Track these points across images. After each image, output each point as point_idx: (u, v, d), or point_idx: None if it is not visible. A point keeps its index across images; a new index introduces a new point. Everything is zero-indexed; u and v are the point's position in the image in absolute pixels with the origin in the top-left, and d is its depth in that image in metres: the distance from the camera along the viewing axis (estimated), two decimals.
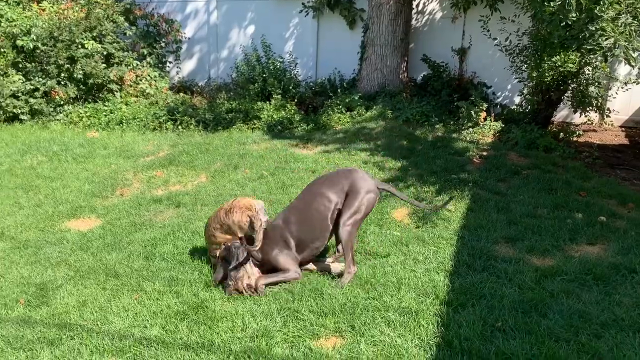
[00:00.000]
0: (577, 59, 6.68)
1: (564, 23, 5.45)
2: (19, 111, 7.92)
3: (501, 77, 8.49)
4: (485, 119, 7.55)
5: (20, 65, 8.13)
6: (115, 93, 8.66)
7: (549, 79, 6.82)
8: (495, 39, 7.53)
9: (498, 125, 7.51)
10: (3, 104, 7.74)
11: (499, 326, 3.29)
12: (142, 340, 3.24)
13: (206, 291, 3.77)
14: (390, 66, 8.57)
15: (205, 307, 3.57)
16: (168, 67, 9.88)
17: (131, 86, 8.88)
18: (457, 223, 4.79)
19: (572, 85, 7.32)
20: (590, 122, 8.02)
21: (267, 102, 8.44)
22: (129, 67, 8.83)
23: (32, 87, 8.05)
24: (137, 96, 8.86)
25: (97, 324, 3.42)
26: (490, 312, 3.44)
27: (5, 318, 3.51)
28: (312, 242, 3.94)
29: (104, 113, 8.22)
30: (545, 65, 6.73)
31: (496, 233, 4.59)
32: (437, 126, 7.55)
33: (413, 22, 8.90)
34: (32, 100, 7.99)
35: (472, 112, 7.44)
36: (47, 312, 3.56)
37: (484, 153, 6.71)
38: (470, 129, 7.41)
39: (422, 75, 9.00)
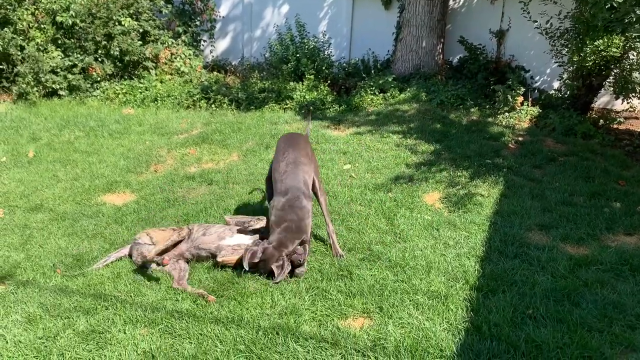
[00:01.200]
0: (621, 44, 6.43)
1: (609, 5, 5.25)
2: (58, 87, 8.08)
3: (540, 61, 8.26)
4: (522, 104, 7.37)
5: (60, 42, 8.27)
6: (151, 70, 8.75)
7: (590, 63, 6.60)
8: (535, 21, 7.30)
9: (535, 110, 7.33)
10: (43, 79, 7.90)
11: (529, 313, 3.26)
12: (174, 313, 3.32)
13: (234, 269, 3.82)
14: (425, 48, 8.42)
15: (235, 282, 3.62)
16: (202, 45, 9.92)
17: (166, 64, 8.96)
18: (490, 209, 4.72)
19: (615, 71, 7.07)
20: (632, 110, 7.74)
21: (300, 82, 8.41)
22: (164, 45, 8.90)
23: (70, 63, 8.19)
24: (171, 74, 8.94)
25: (131, 296, 3.51)
26: (521, 299, 3.40)
27: (44, 286, 3.63)
28: None
29: (140, 90, 8.33)
30: (587, 49, 6.51)
31: (530, 220, 4.51)
32: (472, 110, 7.41)
33: (450, 2, 8.70)
34: (70, 76, 8.13)
35: (509, 97, 7.28)
36: (83, 282, 3.67)
37: (520, 138, 6.57)
38: (507, 114, 7.25)
39: (458, 57, 8.82)
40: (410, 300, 3.40)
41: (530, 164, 5.77)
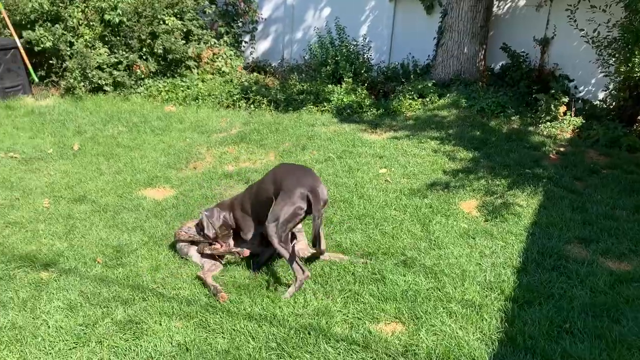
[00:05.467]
0: None
1: None
2: (104, 82, 8.31)
3: (585, 71, 8.05)
4: (565, 114, 7.20)
5: (107, 39, 8.52)
6: (193, 69, 8.92)
7: (638, 74, 6.41)
8: (582, 29, 7.14)
9: (578, 120, 7.16)
10: (89, 75, 8.15)
11: (566, 328, 3.19)
12: (208, 307, 3.38)
13: (271, 265, 3.86)
14: (467, 54, 8.33)
15: (268, 281, 3.66)
16: (243, 46, 10.06)
17: (208, 63, 9.12)
18: (528, 219, 4.63)
19: None
20: None
21: (338, 85, 8.43)
22: (206, 45, 9.06)
23: (116, 60, 8.43)
24: (212, 73, 9.09)
25: (167, 289, 3.59)
26: (558, 312, 3.33)
27: (85, 275, 3.75)
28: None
29: (182, 88, 8.50)
30: (636, 59, 6.33)
31: (569, 232, 4.41)
32: (513, 118, 7.29)
33: (494, 9, 8.58)
34: (115, 73, 8.36)
35: (552, 106, 7.13)
36: (122, 273, 3.77)
37: (562, 149, 6.43)
38: (548, 123, 7.10)
39: (500, 64, 8.69)
40: (443, 308, 3.37)
41: (572, 176, 5.64)
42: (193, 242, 4.00)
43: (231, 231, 4.02)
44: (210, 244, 3.94)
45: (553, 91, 7.30)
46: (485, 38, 8.48)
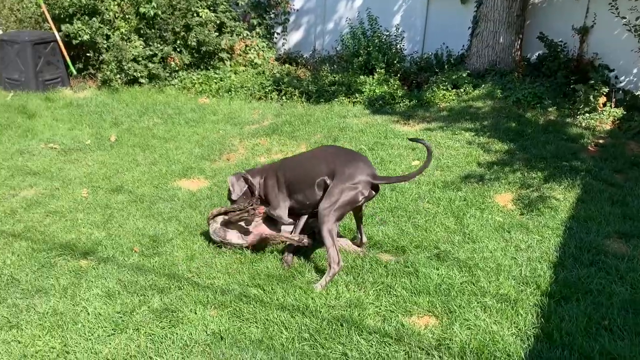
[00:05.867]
0: None
1: None
2: (139, 75, 8.46)
3: (627, 60, 7.79)
4: (604, 105, 6.99)
5: (142, 32, 8.65)
6: (226, 61, 9.00)
7: None
8: (623, 17, 6.90)
9: (619, 112, 6.94)
10: (125, 67, 8.30)
11: (605, 324, 3.12)
12: (242, 297, 3.42)
13: (303, 257, 3.88)
14: (502, 43, 8.16)
15: (301, 272, 3.68)
16: (275, 38, 10.08)
17: (240, 55, 9.18)
18: (565, 213, 4.53)
19: None
20: None
21: (370, 76, 8.38)
22: (239, 37, 9.12)
23: (151, 52, 8.55)
24: (245, 65, 9.15)
25: (202, 278, 3.65)
26: (597, 309, 3.26)
27: (122, 264, 3.84)
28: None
29: (215, 80, 8.59)
30: None
31: (609, 227, 4.30)
32: (550, 109, 7.12)
33: None
34: (150, 65, 8.50)
35: (591, 97, 6.93)
36: (158, 262, 3.85)
37: (601, 141, 6.26)
38: (587, 115, 6.91)
39: (536, 54, 8.47)
40: (477, 302, 3.34)
41: (611, 168, 5.48)
42: (226, 214, 3.97)
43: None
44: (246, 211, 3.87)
45: (592, 81, 7.09)
46: (521, 27, 8.29)
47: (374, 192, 3.68)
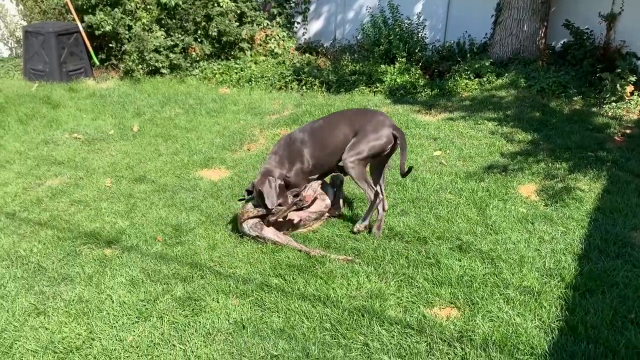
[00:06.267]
0: None
1: None
2: (160, 65, 8.50)
3: None
4: (631, 94, 6.83)
5: (163, 22, 8.69)
6: (246, 51, 9.00)
7: None
8: None
9: None
10: (147, 57, 8.35)
11: (631, 318, 3.07)
12: (263, 286, 3.44)
13: (323, 247, 3.89)
14: (526, 31, 8.01)
15: (322, 262, 3.69)
16: (296, 27, 10.03)
17: (260, 45, 9.17)
18: (590, 204, 4.45)
19: None
20: None
21: (391, 65, 8.30)
22: (259, 27, 9.10)
23: (172, 43, 8.59)
24: (265, 55, 9.14)
25: (224, 267, 3.68)
26: (623, 302, 3.20)
27: (146, 252, 3.89)
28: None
29: (235, 70, 8.60)
30: None
31: (635, 219, 4.21)
32: (575, 99, 6.98)
33: None
34: (172, 55, 8.53)
35: (617, 85, 6.77)
36: (180, 251, 3.89)
37: (628, 131, 6.12)
38: (614, 104, 6.75)
39: (561, 42, 8.30)
40: (500, 294, 3.31)
41: (639, 159, 5.36)
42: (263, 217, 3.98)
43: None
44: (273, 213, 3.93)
45: (619, 70, 6.93)
46: (546, 15, 8.12)
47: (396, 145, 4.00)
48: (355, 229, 4.05)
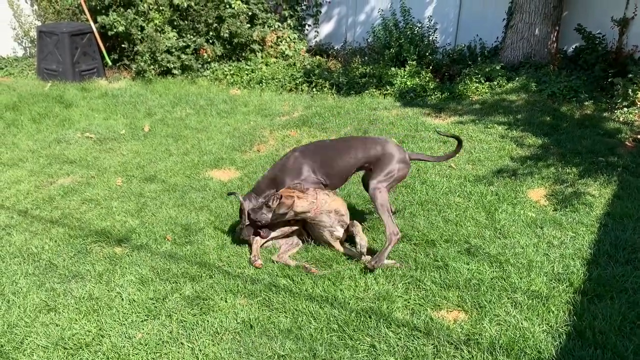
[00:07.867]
0: None
1: None
2: (172, 66, 8.57)
3: None
4: None
5: (175, 23, 8.76)
6: (257, 53, 9.04)
7: None
8: None
9: None
10: (159, 58, 8.42)
11: None
12: (271, 286, 3.46)
13: (332, 250, 3.90)
14: (538, 35, 7.98)
15: (329, 265, 3.70)
16: (306, 29, 10.07)
17: (271, 47, 9.21)
18: (600, 209, 4.43)
19: None
20: None
21: (402, 68, 8.30)
22: (270, 29, 9.15)
23: (184, 44, 8.65)
24: (276, 57, 9.18)
25: (233, 267, 3.71)
26: (632, 307, 3.19)
27: (156, 251, 3.92)
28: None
29: (246, 72, 8.64)
30: None
31: None
32: (586, 103, 6.95)
33: None
34: (183, 56, 8.60)
35: (629, 90, 6.73)
36: (190, 251, 3.92)
37: (639, 136, 6.07)
38: (625, 109, 6.71)
39: (573, 47, 8.27)
40: (508, 298, 3.30)
41: None
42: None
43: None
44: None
45: (631, 75, 6.89)
46: (558, 19, 8.09)
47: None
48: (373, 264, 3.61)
